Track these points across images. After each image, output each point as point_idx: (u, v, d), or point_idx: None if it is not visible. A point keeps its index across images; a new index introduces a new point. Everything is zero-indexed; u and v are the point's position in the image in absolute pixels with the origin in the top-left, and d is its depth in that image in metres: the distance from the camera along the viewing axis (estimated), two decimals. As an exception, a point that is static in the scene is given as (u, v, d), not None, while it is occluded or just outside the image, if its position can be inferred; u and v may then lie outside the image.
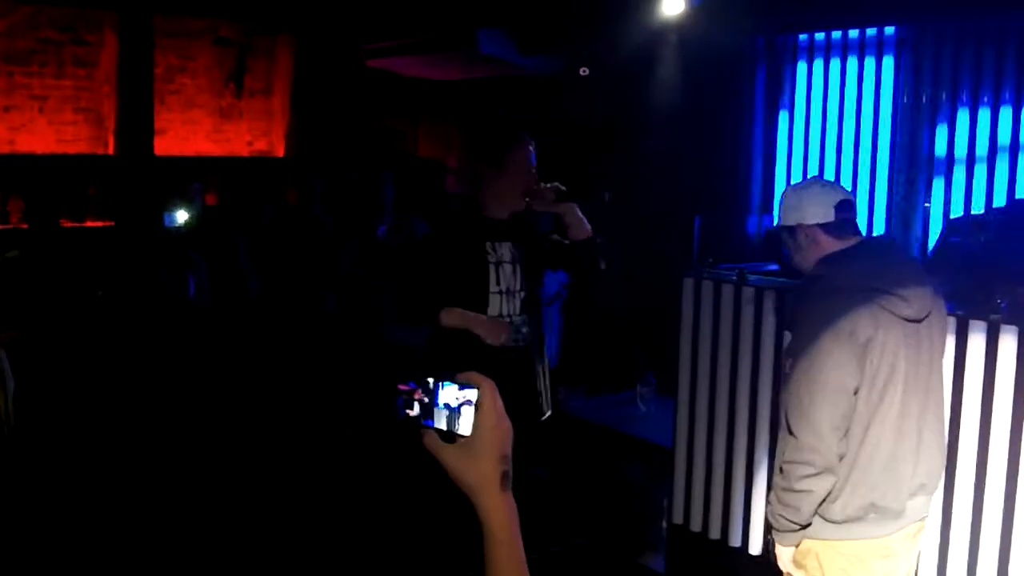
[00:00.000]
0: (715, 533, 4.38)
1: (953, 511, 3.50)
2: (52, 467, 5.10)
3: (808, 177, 5.77)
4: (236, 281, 6.96)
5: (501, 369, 3.64)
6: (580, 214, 3.75)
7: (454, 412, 1.24)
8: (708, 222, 4.62)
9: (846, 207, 2.88)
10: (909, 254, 2.94)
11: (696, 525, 4.46)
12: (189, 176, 8.47)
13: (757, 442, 4.20)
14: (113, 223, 8.54)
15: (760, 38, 6.32)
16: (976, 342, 3.38)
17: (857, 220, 2.94)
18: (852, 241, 2.88)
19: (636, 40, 6.55)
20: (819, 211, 2.86)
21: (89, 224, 8.61)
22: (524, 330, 3.72)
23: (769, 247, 5.05)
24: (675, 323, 4.53)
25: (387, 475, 5.17)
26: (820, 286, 2.80)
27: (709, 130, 6.49)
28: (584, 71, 6.67)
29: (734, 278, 4.33)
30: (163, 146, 9.08)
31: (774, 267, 4.68)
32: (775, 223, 6.42)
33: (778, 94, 6.41)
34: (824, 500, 2.78)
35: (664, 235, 5.83)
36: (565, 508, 4.50)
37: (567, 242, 3.79)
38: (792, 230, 2.93)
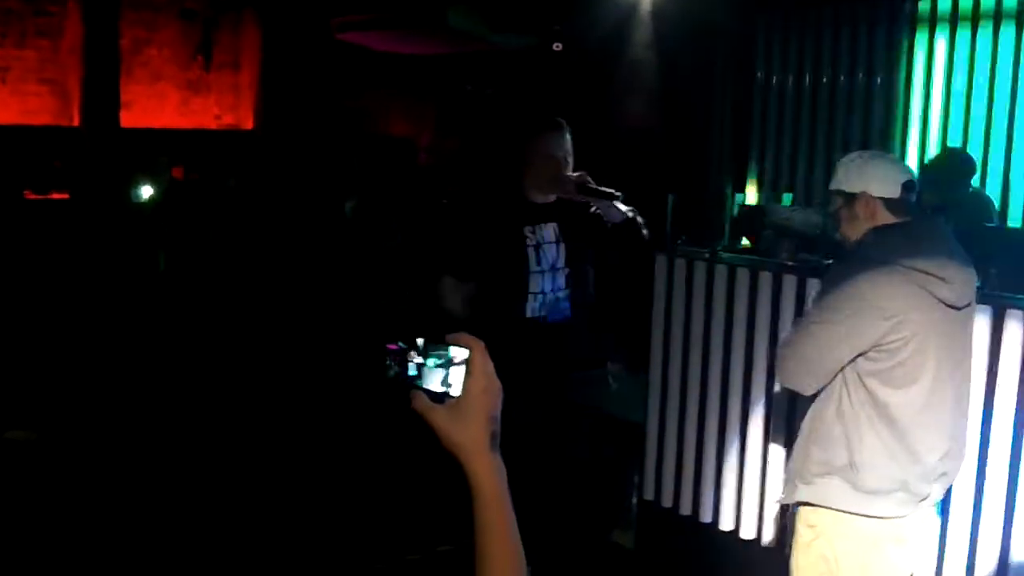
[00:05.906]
0: (686, 509, 4.40)
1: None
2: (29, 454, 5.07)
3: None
4: (207, 254, 6.90)
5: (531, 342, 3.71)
6: (615, 206, 3.73)
7: (444, 373, 1.23)
8: (681, 200, 4.59)
9: (911, 186, 2.79)
10: (954, 239, 2.86)
11: (667, 501, 4.47)
12: (156, 149, 8.37)
13: (729, 419, 4.21)
14: (79, 195, 8.42)
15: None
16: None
17: (915, 202, 2.84)
18: (906, 219, 2.80)
19: (611, 16, 6.52)
20: (886, 185, 2.76)
21: (54, 196, 8.48)
22: (564, 304, 3.82)
23: (743, 225, 5.06)
24: (647, 301, 4.53)
25: (376, 439, 5.16)
26: (862, 254, 2.73)
27: (682, 108, 6.48)
28: (558, 47, 6.64)
29: (706, 256, 4.33)
30: (129, 119, 8.94)
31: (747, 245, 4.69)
32: (744, 202, 6.47)
33: (751, 71, 6.40)
34: (858, 468, 2.74)
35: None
36: (532, 485, 4.49)
37: (609, 225, 3.80)
38: (851, 197, 2.81)
